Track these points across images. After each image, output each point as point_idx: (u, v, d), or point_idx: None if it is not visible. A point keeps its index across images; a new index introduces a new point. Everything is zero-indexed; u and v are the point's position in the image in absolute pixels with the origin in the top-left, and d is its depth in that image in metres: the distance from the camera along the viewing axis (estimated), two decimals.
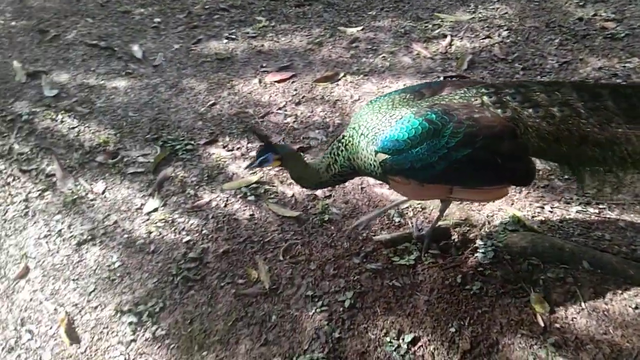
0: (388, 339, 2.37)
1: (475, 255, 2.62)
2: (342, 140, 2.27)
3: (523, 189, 2.90)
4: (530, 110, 2.11)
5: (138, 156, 3.40)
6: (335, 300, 2.54)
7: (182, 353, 2.39)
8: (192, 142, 3.45)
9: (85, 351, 2.42)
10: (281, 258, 2.74)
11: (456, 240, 2.71)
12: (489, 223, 2.75)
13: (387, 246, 2.74)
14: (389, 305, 2.50)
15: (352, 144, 2.23)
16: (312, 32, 4.51)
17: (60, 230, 2.95)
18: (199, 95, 3.89)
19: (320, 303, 2.53)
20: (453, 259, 2.64)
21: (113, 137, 3.55)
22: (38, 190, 3.20)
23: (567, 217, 2.74)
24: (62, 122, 3.69)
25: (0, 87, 4.08)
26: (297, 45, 4.35)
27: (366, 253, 2.72)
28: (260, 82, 3.96)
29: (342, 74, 3.93)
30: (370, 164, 2.19)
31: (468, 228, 2.75)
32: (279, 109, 3.67)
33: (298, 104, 3.69)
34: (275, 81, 3.92)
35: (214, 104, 3.79)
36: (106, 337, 2.46)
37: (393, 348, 2.33)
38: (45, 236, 2.94)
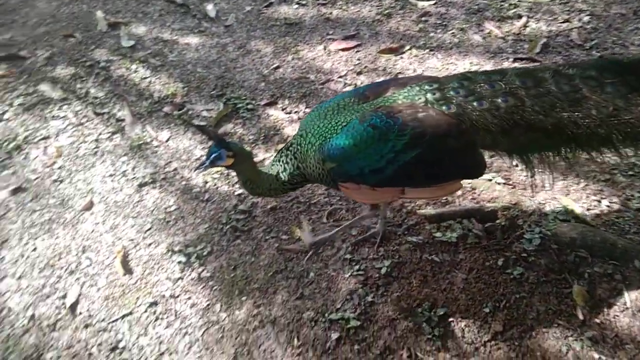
0: (420, 310, 2.39)
1: (521, 240, 2.57)
2: (291, 149, 2.23)
3: (581, 181, 2.80)
4: (475, 103, 2.07)
5: (202, 110, 3.55)
6: (372, 267, 2.59)
7: (223, 295, 2.53)
8: (253, 102, 3.56)
9: (136, 282, 2.62)
10: (325, 220, 2.82)
11: (503, 223, 2.67)
12: (539, 210, 2.68)
13: (430, 221, 2.75)
14: (425, 278, 2.52)
15: (301, 152, 2.19)
16: (382, 3, 4.45)
17: (124, 171, 3.17)
18: (264, 58, 3.98)
19: (357, 267, 2.59)
20: (497, 242, 2.60)
21: (181, 90, 3.73)
22: (108, 133, 3.43)
23: (625, 213, 2.62)
24: (135, 71, 3.91)
25: (83, 35, 4.36)
26: (366, 15, 4.33)
27: (409, 226, 2.74)
28: (324, 49, 3.99)
29: (407, 47, 3.88)
30: (319, 172, 2.16)
31: (517, 213, 2.69)
32: (340, 77, 3.70)
33: (359, 73, 3.70)
34: (340, 49, 3.94)
35: (277, 67, 3.87)
36: (156, 272, 2.65)
37: (424, 319, 2.36)
38: (111, 175, 3.16)
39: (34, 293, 2.62)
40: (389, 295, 2.47)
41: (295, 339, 2.36)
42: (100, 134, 3.42)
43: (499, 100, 2.06)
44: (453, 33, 3.99)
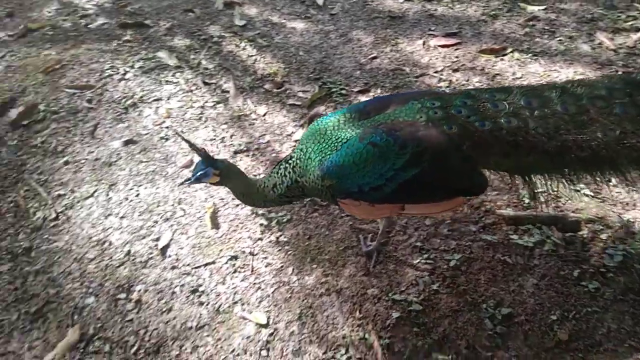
0: (485, 306, 2.41)
1: (602, 255, 2.49)
2: (290, 162, 2.21)
3: None
4: (477, 124, 2.03)
5: (299, 91, 3.75)
6: (441, 258, 2.63)
7: (296, 260, 2.71)
8: (347, 88, 3.70)
9: (221, 237, 2.87)
10: None
11: (585, 235, 2.59)
12: (626, 227, 2.57)
13: (508, 223, 2.73)
14: (494, 277, 2.53)
15: (300, 167, 2.17)
16: (489, 4, 4.40)
17: (223, 138, 3.45)
18: (363, 47, 4.10)
19: (426, 256, 2.65)
20: (576, 253, 2.54)
21: (282, 70, 3.95)
22: (213, 102, 3.73)
23: None
24: (243, 49, 4.20)
25: (201, 11, 4.74)
26: (471, 15, 4.30)
27: (485, 224, 2.75)
28: (424, 44, 4.03)
29: (509, 50, 3.82)
30: (318, 188, 2.14)
31: (601, 227, 2.61)
32: (436, 72, 3.73)
33: (456, 70, 3.71)
34: (439, 45, 3.96)
35: (375, 57, 3.97)
36: (239, 230, 2.88)
37: (487, 315, 2.37)
38: (211, 139, 3.45)
39: (132, 232, 2.95)
40: (454, 287, 2.51)
41: (358, 312, 2.47)
42: (206, 101, 3.74)
43: (502, 121, 2.02)
44: (560, 40, 3.87)
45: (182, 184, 2.26)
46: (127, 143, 3.47)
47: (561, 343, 2.26)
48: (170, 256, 2.79)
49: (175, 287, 2.66)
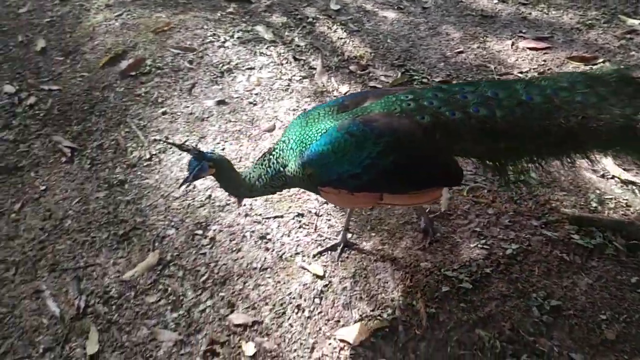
0: (534, 295, 2.48)
1: None
2: (273, 153, 2.31)
3: None
4: (448, 113, 2.15)
5: (381, 75, 3.91)
6: (498, 246, 2.71)
7: (356, 226, 2.89)
8: (429, 77, 3.82)
9: (291, 195, 3.08)
10: (465, 194, 2.99)
11: None
12: None
13: (571, 222, 2.75)
14: (548, 271, 2.58)
15: (282, 157, 2.27)
16: (587, 13, 4.33)
17: (305, 109, 3.68)
18: (450, 41, 4.19)
19: (483, 241, 2.74)
20: (637, 261, 2.54)
21: (368, 54, 4.13)
22: (300, 76, 3.98)
23: None
24: (335, 31, 4.41)
25: None
26: (565, 22, 4.26)
27: (547, 220, 2.79)
28: (512, 45, 4.06)
29: (600, 60, 3.77)
30: (300, 177, 2.23)
31: None
32: (521, 72, 3.75)
33: (541, 73, 3.71)
34: (528, 47, 3.97)
35: (460, 52, 4.05)
36: (309, 193, 3.09)
37: (536, 304, 2.44)
38: (294, 109, 3.70)
39: (215, 181, 3.26)
40: (507, 274, 2.59)
41: (409, 280, 2.62)
42: (293, 75, 3.99)
43: (471, 110, 2.15)
44: None
45: (181, 185, 2.32)
46: (219, 103, 3.78)
47: (607, 342, 2.29)
48: (245, 205, 3.05)
49: (246, 232, 2.92)
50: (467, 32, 4.27)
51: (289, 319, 2.52)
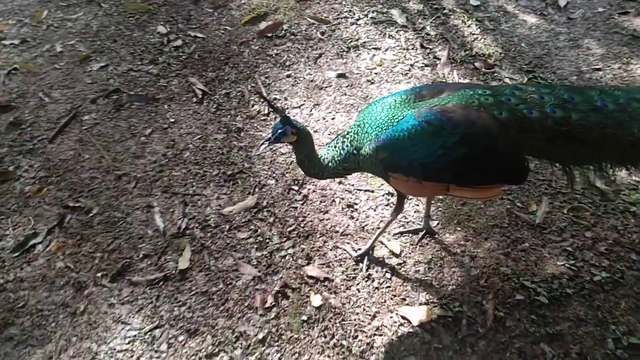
0: (614, 327, 2.36)
1: None
2: (347, 136, 2.34)
3: None
4: (525, 111, 2.15)
5: (506, 77, 3.82)
6: (587, 270, 2.60)
7: (443, 218, 2.92)
8: None
9: None
10: (565, 211, 2.88)
11: None
12: None
13: None
14: (636, 308, 2.43)
15: (356, 140, 2.29)
16: None
17: None
18: (590, 57, 3.95)
19: (572, 262, 2.64)
20: None
21: (497, 54, 4.04)
22: (422, 64, 4.01)
23: None
24: (468, 26, 4.36)
25: None
26: None
27: None
28: None
29: None
30: (372, 161, 2.26)
31: None
32: None
33: None
34: None
35: (598, 69, 3.81)
36: None
37: (613, 337, 2.33)
38: None
39: (317, 146, 3.45)
40: (588, 300, 2.49)
41: (483, 280, 2.61)
42: (416, 62, 4.03)
43: (548, 110, 2.15)
44: None
45: (262, 144, 2.28)
46: (339, 76, 3.95)
47: None
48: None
49: (337, 197, 3.08)
50: (610, 50, 4.00)
51: (358, 284, 2.65)
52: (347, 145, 2.33)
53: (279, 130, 2.20)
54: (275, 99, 3.82)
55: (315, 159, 2.36)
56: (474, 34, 4.28)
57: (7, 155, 3.58)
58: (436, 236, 2.83)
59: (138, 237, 3.00)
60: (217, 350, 2.43)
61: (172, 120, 3.73)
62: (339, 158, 2.35)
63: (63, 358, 2.47)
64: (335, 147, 2.37)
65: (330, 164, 2.37)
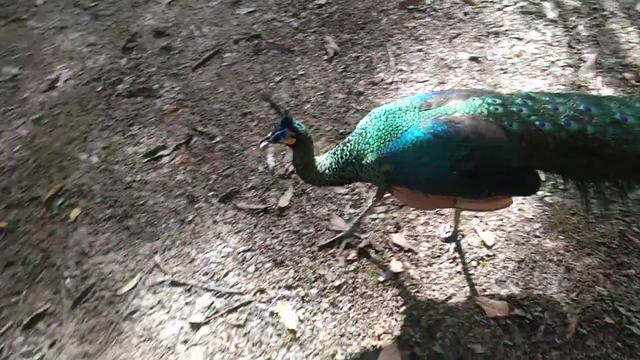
0: None
1: None
2: (347, 145, 2.24)
3: None
4: (537, 123, 2.02)
5: None
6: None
7: (547, 223, 2.80)
8: None
9: None
10: None
11: None
12: None
13: None
14: None
15: (357, 150, 2.19)
16: None
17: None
18: None
19: None
20: None
21: None
22: (564, 63, 3.76)
23: None
24: (627, 33, 3.98)
25: None
26: None
27: None
28: None
29: None
30: (374, 173, 2.16)
31: None
32: None
33: None
34: None
35: None
36: None
37: None
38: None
39: None
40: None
41: (574, 294, 2.50)
42: (558, 59, 3.80)
43: (562, 123, 2.02)
44: None
45: (261, 142, 2.19)
46: (472, 59, 3.86)
47: None
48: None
49: None
50: None
51: (441, 263, 2.67)
52: (346, 154, 2.25)
53: (278, 132, 2.16)
54: (401, 70, 3.85)
55: (311, 165, 2.31)
56: (631, 42, 3.91)
57: (154, 75, 4.03)
58: (534, 237, 2.74)
59: (250, 169, 3.26)
60: (296, 284, 2.62)
61: (301, 72, 3.92)
62: (336, 166, 2.28)
63: (165, 255, 2.82)
64: (334, 154, 2.30)
65: (327, 171, 2.30)
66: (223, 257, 2.79)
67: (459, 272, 2.63)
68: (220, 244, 2.84)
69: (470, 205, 2.31)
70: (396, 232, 2.82)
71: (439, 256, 2.70)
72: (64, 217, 3.08)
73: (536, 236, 2.75)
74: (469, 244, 2.73)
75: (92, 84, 4.00)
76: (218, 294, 2.61)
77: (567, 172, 2.17)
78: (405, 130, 2.08)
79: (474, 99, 2.12)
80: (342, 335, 2.41)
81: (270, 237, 2.85)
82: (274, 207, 3.00)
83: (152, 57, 4.20)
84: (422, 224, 2.85)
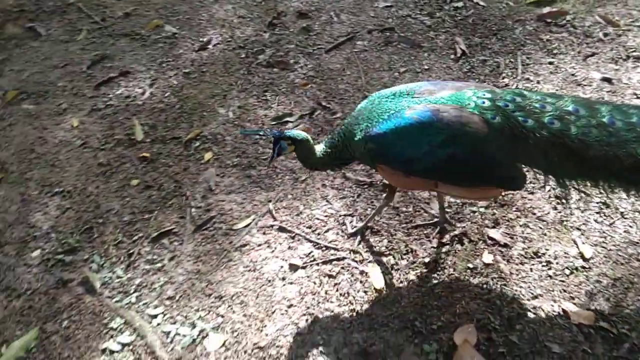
0: None
1: None
2: (342, 128, 2.44)
3: None
4: (521, 119, 2.14)
5: None
6: None
7: None
8: None
9: None
10: None
11: None
12: None
13: None
14: None
15: (350, 131, 2.37)
16: None
17: None
18: None
19: None
20: None
21: None
22: None
23: None
24: None
25: None
26: None
27: None
28: None
29: None
30: (362, 152, 2.35)
31: None
32: None
33: None
34: None
35: None
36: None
37: None
38: None
39: None
40: None
41: None
42: None
43: (545, 121, 2.14)
44: None
45: (268, 163, 2.52)
46: (604, 79, 3.77)
47: None
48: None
49: (549, 185, 3.10)
50: None
51: (532, 265, 2.73)
52: (341, 136, 2.45)
53: (277, 147, 2.47)
54: (527, 79, 3.87)
55: (315, 154, 2.54)
56: None
57: (292, 51, 4.43)
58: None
59: None
60: (388, 252, 2.83)
61: (426, 67, 4.10)
62: (335, 149, 2.49)
63: (277, 205, 3.16)
64: (332, 138, 2.50)
65: (328, 155, 2.52)
66: (326, 216, 3.06)
67: (550, 276, 2.67)
68: (325, 205, 3.12)
69: (452, 191, 2.49)
70: (494, 227, 2.91)
71: (532, 257, 2.75)
72: (198, 157, 3.54)
73: (639, 260, 2.70)
74: (565, 253, 2.75)
75: (237, 51, 4.49)
76: (317, 246, 2.89)
77: (548, 170, 2.28)
78: (393, 114, 2.25)
79: (465, 92, 2.27)
80: (423, 306, 2.57)
81: (370, 208, 3.08)
82: (378, 182, 3.22)
83: (292, 35, 4.61)
84: (521, 225, 2.91)
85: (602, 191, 2.30)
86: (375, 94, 2.46)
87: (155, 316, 2.65)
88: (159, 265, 2.94)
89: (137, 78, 4.32)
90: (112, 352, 2.52)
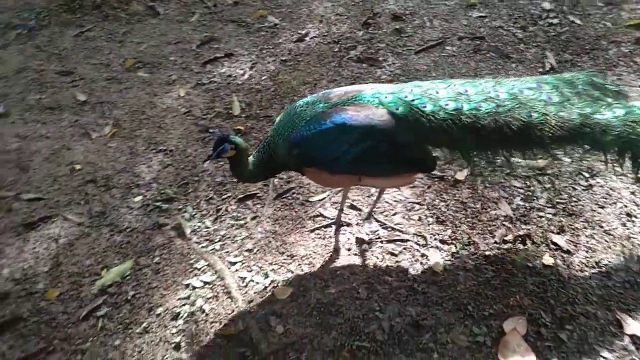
0: None
1: None
2: (268, 140, 2.61)
3: None
4: (420, 105, 2.43)
5: None
6: None
7: None
8: None
9: None
10: None
11: None
12: None
13: None
14: None
15: (274, 143, 2.55)
16: None
17: None
18: None
19: None
20: None
21: None
22: None
23: None
24: None
25: None
26: None
27: None
28: None
29: None
30: (287, 158, 2.54)
31: None
32: None
33: None
34: None
35: None
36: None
37: None
38: None
39: None
40: None
41: None
42: None
43: (441, 103, 2.43)
44: None
45: (205, 161, 2.83)
46: None
47: None
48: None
49: (620, 201, 3.13)
50: None
51: (592, 274, 2.78)
52: (266, 148, 2.62)
53: (219, 148, 2.49)
54: None
55: (247, 166, 2.64)
56: None
57: (382, 50, 4.68)
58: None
59: None
60: (450, 241, 3.00)
61: (511, 74, 4.19)
62: (263, 160, 2.63)
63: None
64: (259, 152, 2.65)
65: (257, 167, 2.65)
66: (395, 201, 3.28)
67: (608, 286, 2.72)
68: (395, 191, 3.34)
69: (375, 182, 2.78)
70: (558, 233, 2.99)
71: (593, 267, 2.81)
72: None
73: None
74: (628, 267, 2.78)
75: (331, 45, 4.81)
76: (384, 226, 3.12)
77: (451, 146, 2.53)
78: (309, 119, 2.48)
79: (366, 92, 2.52)
80: (478, 294, 2.71)
81: (439, 199, 3.26)
82: (449, 177, 3.39)
83: (384, 35, 4.86)
84: (587, 235, 2.97)
85: (502, 159, 2.57)
86: (291, 105, 2.72)
87: (234, 263, 2.99)
88: (242, 222, 3.29)
89: (239, 60, 4.76)
90: (194, 287, 2.89)
